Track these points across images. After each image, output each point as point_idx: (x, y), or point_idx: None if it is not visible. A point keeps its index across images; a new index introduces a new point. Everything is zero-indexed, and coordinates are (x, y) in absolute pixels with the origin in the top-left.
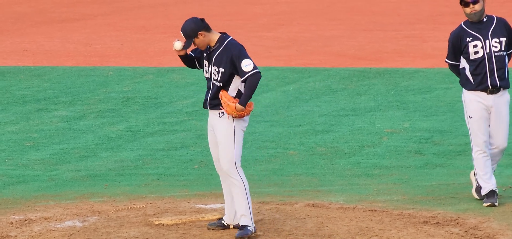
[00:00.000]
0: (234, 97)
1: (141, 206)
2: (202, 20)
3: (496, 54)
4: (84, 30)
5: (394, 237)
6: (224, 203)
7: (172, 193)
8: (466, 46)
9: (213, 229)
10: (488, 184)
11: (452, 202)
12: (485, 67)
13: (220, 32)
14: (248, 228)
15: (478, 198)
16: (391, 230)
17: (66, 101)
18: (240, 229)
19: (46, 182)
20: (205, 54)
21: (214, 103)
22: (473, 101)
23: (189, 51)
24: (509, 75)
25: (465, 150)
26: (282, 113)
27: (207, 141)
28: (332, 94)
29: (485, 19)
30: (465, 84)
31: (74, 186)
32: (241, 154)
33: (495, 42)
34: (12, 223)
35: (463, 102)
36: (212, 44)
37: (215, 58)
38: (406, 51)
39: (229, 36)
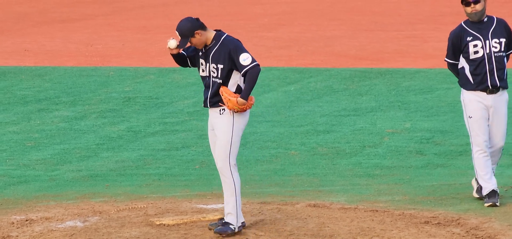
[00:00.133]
0: (234, 93)
1: (142, 206)
2: (197, 19)
3: (495, 54)
4: (85, 30)
5: (395, 237)
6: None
7: (173, 193)
8: (466, 46)
9: (213, 229)
10: (489, 184)
11: (453, 202)
12: (485, 67)
13: (215, 30)
14: (231, 226)
15: (479, 197)
16: (392, 230)
17: (67, 102)
18: (222, 225)
19: (47, 182)
20: (201, 53)
21: (215, 100)
22: (473, 101)
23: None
24: (507, 76)
25: (466, 150)
26: (284, 113)
27: (208, 140)
28: (334, 94)
29: (485, 19)
30: (465, 84)
31: (75, 186)
32: (237, 153)
33: (495, 42)
34: (13, 223)
35: (462, 102)
36: (208, 42)
37: (212, 55)
38: (407, 52)
39: (225, 33)
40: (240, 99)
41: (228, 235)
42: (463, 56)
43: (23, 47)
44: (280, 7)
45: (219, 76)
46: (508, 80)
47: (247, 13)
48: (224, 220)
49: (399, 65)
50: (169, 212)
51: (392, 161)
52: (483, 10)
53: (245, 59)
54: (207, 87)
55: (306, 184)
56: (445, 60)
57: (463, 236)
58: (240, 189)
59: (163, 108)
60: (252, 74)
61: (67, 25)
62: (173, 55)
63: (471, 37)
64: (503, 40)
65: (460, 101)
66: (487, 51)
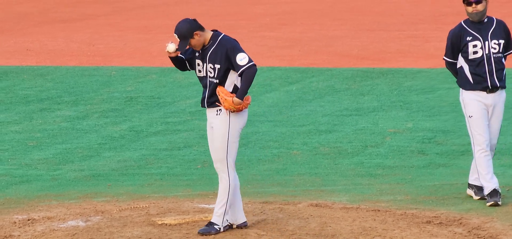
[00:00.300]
0: (231, 92)
1: (144, 205)
2: (195, 20)
3: (494, 55)
4: (87, 30)
5: (397, 237)
6: (212, 204)
7: (175, 193)
8: (466, 45)
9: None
10: (490, 183)
11: (455, 202)
12: (485, 68)
13: (212, 30)
14: (215, 226)
15: (481, 198)
16: (394, 230)
17: (69, 101)
18: (206, 225)
19: (49, 182)
20: (197, 54)
21: (212, 101)
22: (473, 100)
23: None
24: (506, 76)
25: (468, 150)
26: (285, 113)
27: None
28: (335, 94)
29: (485, 20)
30: (464, 84)
31: (77, 186)
32: (235, 153)
33: (494, 43)
34: (15, 222)
35: (462, 102)
36: (206, 42)
37: (209, 55)
38: (409, 51)
39: (222, 33)
40: (236, 99)
41: (211, 234)
42: (462, 56)
43: (25, 46)
44: (282, 7)
45: (216, 76)
46: (506, 80)
47: (249, 13)
48: (211, 220)
49: (401, 65)
50: (171, 212)
51: (394, 160)
52: (484, 11)
53: (241, 59)
54: (204, 87)
55: (308, 184)
56: (443, 59)
57: (465, 236)
58: (233, 191)
59: (165, 108)
60: (248, 74)
61: (69, 25)
62: (172, 59)
63: (471, 37)
64: (501, 41)
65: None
66: (486, 52)
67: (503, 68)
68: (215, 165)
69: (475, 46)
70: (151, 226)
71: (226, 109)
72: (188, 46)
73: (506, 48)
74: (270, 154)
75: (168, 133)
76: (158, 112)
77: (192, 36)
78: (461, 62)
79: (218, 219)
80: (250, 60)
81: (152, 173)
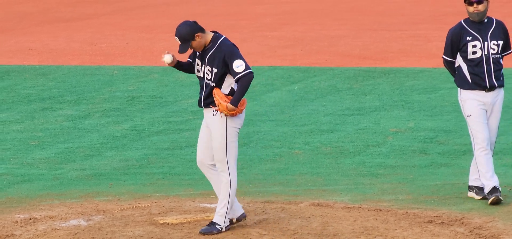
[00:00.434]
0: (227, 95)
1: (146, 205)
2: (195, 22)
3: (493, 56)
4: (89, 29)
5: (399, 237)
6: (214, 203)
7: (177, 192)
8: (466, 45)
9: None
10: (491, 181)
11: (457, 202)
12: (483, 68)
13: (212, 31)
14: (217, 226)
15: (482, 197)
16: (396, 229)
17: (71, 100)
18: (208, 225)
19: (51, 181)
20: (198, 54)
21: (208, 101)
22: (471, 99)
23: (184, 58)
24: (503, 75)
25: (470, 150)
26: (287, 112)
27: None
28: (337, 93)
29: (485, 20)
30: (462, 84)
31: (79, 185)
32: (236, 152)
33: (493, 44)
34: (17, 222)
35: (460, 102)
36: (207, 44)
37: (208, 57)
38: (411, 51)
39: (222, 36)
40: (230, 105)
41: (212, 234)
42: (460, 55)
43: (27, 46)
44: (283, 7)
45: (212, 79)
46: (508, 81)
47: (250, 13)
48: (212, 219)
49: (402, 65)
50: (172, 211)
51: (396, 160)
52: (485, 11)
53: (238, 66)
54: (201, 88)
55: (309, 183)
56: (442, 57)
57: (467, 236)
58: (235, 191)
59: (167, 107)
60: (244, 82)
61: (70, 24)
62: (176, 67)
63: (471, 37)
64: (500, 42)
65: None
66: (486, 52)
67: (501, 68)
68: (216, 165)
69: (474, 46)
70: (152, 225)
71: (220, 112)
72: (189, 49)
73: (504, 49)
74: (272, 153)
75: (170, 132)
76: (160, 111)
77: (193, 39)
78: (459, 61)
79: (219, 218)
80: (247, 68)
81: (154, 172)
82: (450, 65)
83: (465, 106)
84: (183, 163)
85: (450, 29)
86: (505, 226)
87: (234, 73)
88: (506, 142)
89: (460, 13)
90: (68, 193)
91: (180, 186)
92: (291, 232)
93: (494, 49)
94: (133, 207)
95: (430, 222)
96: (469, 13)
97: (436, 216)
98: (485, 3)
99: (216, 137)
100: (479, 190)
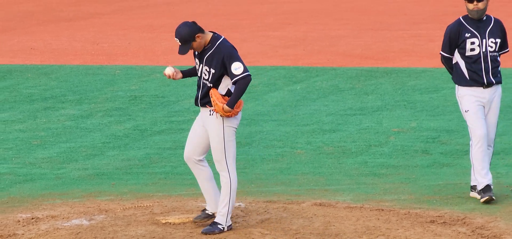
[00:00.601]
0: (224, 95)
1: (148, 204)
2: (194, 22)
3: (491, 54)
4: (91, 29)
5: (401, 237)
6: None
7: (179, 192)
8: (464, 42)
9: (200, 222)
10: (485, 179)
11: (459, 202)
12: (481, 65)
13: (210, 32)
14: (219, 226)
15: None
16: (398, 229)
17: (73, 100)
18: (210, 225)
19: (53, 181)
20: (196, 53)
21: (205, 101)
22: (469, 95)
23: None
24: (500, 72)
25: None
26: (290, 112)
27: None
28: (339, 93)
29: (484, 18)
30: (460, 81)
31: (81, 185)
32: (234, 151)
33: (491, 42)
34: (19, 221)
35: (458, 98)
36: (206, 44)
37: (206, 58)
38: (413, 51)
39: (221, 36)
40: (226, 107)
41: (214, 234)
42: (458, 52)
43: (29, 45)
44: (285, 7)
45: (210, 80)
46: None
47: (252, 12)
48: (214, 219)
49: (404, 65)
50: (175, 211)
51: (398, 160)
52: (484, 9)
53: (237, 68)
54: (198, 87)
55: (312, 183)
56: (440, 53)
57: (469, 236)
58: (235, 190)
59: (169, 107)
60: (241, 84)
61: (73, 24)
62: (184, 75)
63: (469, 34)
64: (498, 40)
65: None
66: (483, 50)
67: (498, 66)
68: (216, 165)
69: (472, 43)
70: (155, 225)
71: (216, 112)
72: (190, 50)
73: (501, 47)
74: (274, 153)
75: (172, 132)
76: (162, 111)
77: (194, 39)
78: (457, 58)
79: (221, 218)
80: (245, 70)
81: (156, 172)
82: (447, 62)
83: (462, 102)
84: (185, 163)
85: (448, 26)
86: (507, 226)
87: (232, 76)
88: (508, 142)
89: (461, 12)
90: (70, 193)
91: (182, 186)
92: (293, 231)
93: (491, 47)
94: (135, 206)
95: (432, 222)
96: (468, 10)
97: (438, 216)
98: (484, 1)
99: (213, 136)
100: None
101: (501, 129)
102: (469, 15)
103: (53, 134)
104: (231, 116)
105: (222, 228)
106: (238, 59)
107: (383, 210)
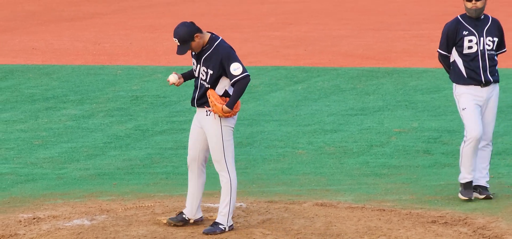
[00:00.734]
0: (221, 96)
1: (149, 204)
2: (193, 23)
3: (488, 52)
4: (92, 29)
5: (402, 237)
6: (217, 203)
7: (180, 192)
8: (462, 39)
9: (174, 224)
10: (469, 175)
11: (460, 202)
12: (478, 63)
13: (208, 32)
14: (220, 226)
15: (486, 197)
16: (399, 229)
17: (75, 100)
18: (211, 225)
19: (55, 181)
20: (193, 53)
21: (201, 102)
22: (466, 94)
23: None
24: (498, 71)
25: None
26: (291, 112)
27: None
28: (341, 93)
29: (482, 17)
30: (458, 79)
31: (83, 185)
32: (233, 151)
33: (489, 40)
34: (21, 221)
35: (455, 97)
36: (204, 44)
37: (204, 58)
38: (414, 51)
39: (219, 37)
40: (225, 107)
41: (216, 234)
42: (456, 50)
43: (31, 45)
44: (286, 7)
45: (207, 80)
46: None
47: (253, 12)
48: (216, 220)
49: (406, 65)
50: (176, 211)
51: (400, 160)
52: (483, 8)
53: (236, 68)
54: (195, 87)
55: (313, 183)
56: (437, 51)
57: (470, 236)
58: (236, 190)
59: (171, 107)
60: (241, 85)
61: (74, 24)
62: (185, 78)
63: (467, 32)
64: (495, 39)
65: None
66: (481, 48)
67: (495, 65)
68: (215, 165)
69: (470, 41)
70: (156, 225)
71: (214, 113)
72: (189, 50)
73: (499, 47)
74: (275, 153)
75: (174, 132)
76: (163, 111)
77: (192, 39)
78: (454, 56)
79: (223, 218)
80: (244, 71)
81: (158, 172)
82: (444, 60)
83: (460, 101)
84: (186, 163)
85: (446, 24)
86: (508, 226)
87: (231, 76)
88: (509, 142)
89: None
90: (72, 193)
91: (183, 186)
92: (295, 232)
93: (489, 45)
94: (136, 206)
95: (433, 222)
96: (467, 9)
97: (440, 216)
98: (483, 0)
99: (211, 137)
100: (483, 188)
101: (502, 129)
102: (467, 14)
103: (54, 134)
104: (230, 116)
105: (224, 228)
106: (237, 59)
107: (384, 210)
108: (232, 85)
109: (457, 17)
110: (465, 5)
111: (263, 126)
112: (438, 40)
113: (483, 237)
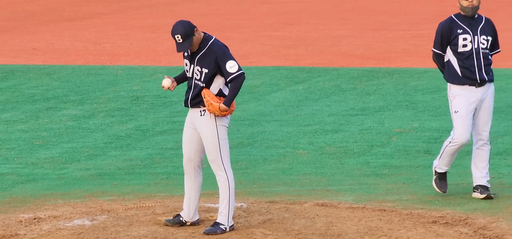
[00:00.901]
0: (216, 95)
1: (150, 205)
2: (189, 21)
3: (482, 51)
4: (93, 29)
5: (403, 237)
6: (217, 203)
7: (181, 192)
8: (456, 38)
9: (170, 226)
10: (446, 167)
11: (461, 202)
12: (473, 61)
13: (202, 32)
14: (221, 226)
15: (486, 196)
16: (400, 230)
17: (76, 100)
18: (212, 225)
19: (55, 181)
20: (186, 54)
21: (196, 102)
22: (460, 96)
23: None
24: (492, 71)
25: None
26: (292, 112)
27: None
28: (341, 93)
29: (476, 17)
30: (453, 79)
31: (83, 185)
32: (228, 151)
33: (483, 39)
34: (21, 221)
35: (449, 97)
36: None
37: (198, 58)
38: (414, 51)
39: (212, 36)
40: (223, 106)
41: (217, 234)
42: (450, 49)
43: (31, 45)
44: (286, 7)
45: (202, 79)
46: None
47: (253, 13)
48: (216, 220)
49: (406, 65)
50: (177, 211)
51: (400, 160)
52: (478, 7)
53: (231, 66)
54: (189, 88)
55: (314, 183)
56: (432, 50)
57: (471, 236)
58: (234, 188)
59: (171, 107)
60: (237, 83)
61: (75, 24)
62: (179, 81)
63: (461, 30)
64: (489, 38)
65: None
66: (476, 46)
67: (490, 64)
68: (211, 165)
69: (465, 39)
70: (157, 225)
71: (210, 113)
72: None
73: (493, 47)
74: (276, 154)
75: (174, 132)
76: (164, 111)
77: (193, 34)
78: (449, 55)
79: (223, 218)
80: (239, 69)
81: (158, 172)
82: (439, 59)
83: (454, 102)
84: None
85: (440, 23)
86: (509, 226)
87: (227, 75)
88: (510, 142)
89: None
90: (73, 193)
91: (184, 186)
92: (296, 232)
93: (483, 44)
94: (137, 206)
95: (434, 222)
96: (462, 7)
97: (441, 216)
98: None
99: (206, 137)
100: (483, 188)
101: (502, 130)
102: (462, 13)
103: (55, 134)
104: (226, 115)
105: (224, 228)
106: (232, 58)
107: (385, 210)
108: (227, 84)
109: (451, 16)
110: (460, 4)
111: (264, 126)
112: None
113: (483, 237)
